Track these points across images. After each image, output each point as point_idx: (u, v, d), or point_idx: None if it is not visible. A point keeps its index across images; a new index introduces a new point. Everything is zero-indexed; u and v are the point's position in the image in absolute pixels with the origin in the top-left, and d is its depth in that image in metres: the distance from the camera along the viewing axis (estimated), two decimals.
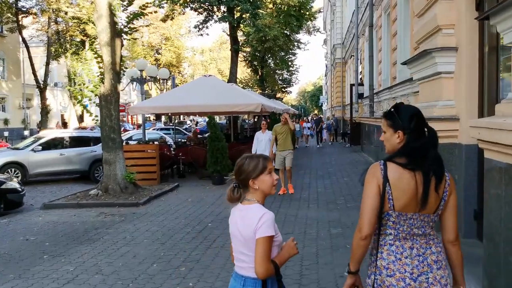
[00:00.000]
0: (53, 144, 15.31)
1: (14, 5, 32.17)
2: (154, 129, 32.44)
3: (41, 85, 35.80)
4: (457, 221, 2.38)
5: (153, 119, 48.99)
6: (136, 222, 8.38)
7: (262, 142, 11.20)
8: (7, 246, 7.06)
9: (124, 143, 16.03)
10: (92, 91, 11.54)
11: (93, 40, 43.63)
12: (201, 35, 28.80)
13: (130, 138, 22.00)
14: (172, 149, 16.76)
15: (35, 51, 41.75)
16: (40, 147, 14.81)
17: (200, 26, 26.21)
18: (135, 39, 40.32)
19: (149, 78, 16.11)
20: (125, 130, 34.26)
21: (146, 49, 60.06)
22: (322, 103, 69.64)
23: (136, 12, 11.77)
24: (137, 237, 7.26)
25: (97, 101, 11.41)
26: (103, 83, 11.21)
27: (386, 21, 14.94)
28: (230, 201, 2.52)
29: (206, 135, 19.42)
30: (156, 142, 21.58)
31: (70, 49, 39.67)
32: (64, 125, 47.63)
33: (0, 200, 9.64)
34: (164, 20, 27.88)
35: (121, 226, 8.09)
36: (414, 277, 2.27)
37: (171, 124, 47.52)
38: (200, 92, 14.23)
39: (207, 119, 13.97)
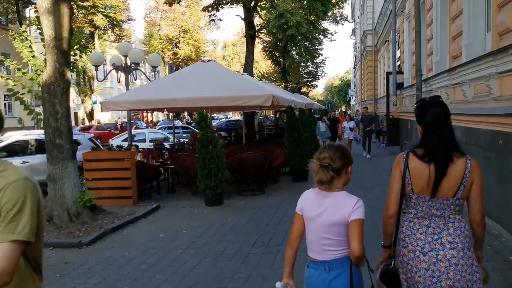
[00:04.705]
0: (14, 149, 12.21)
1: None
2: (160, 128, 29.17)
3: None
4: (483, 204, 2.60)
5: (170, 116, 46.08)
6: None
7: None
8: None
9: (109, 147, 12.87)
10: (32, 79, 8.26)
11: (102, 33, 41.27)
12: (213, 20, 25.44)
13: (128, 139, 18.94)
14: (166, 155, 13.50)
15: None
16: None
17: (210, 9, 22.87)
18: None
19: (133, 65, 12.80)
20: (137, 128, 31.34)
21: (164, 43, 57.27)
22: (350, 98, 65.83)
23: None
24: None
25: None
26: (46, 67, 7.96)
27: None
28: (321, 183, 2.53)
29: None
30: (147, 146, 18.43)
31: (79, 42, 37.14)
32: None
33: None
34: (170, 4, 24.56)
35: None
36: (424, 251, 2.58)
37: (192, 121, 44.50)
38: (195, 82, 10.86)
39: (215, 115, 10.60)
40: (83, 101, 40.20)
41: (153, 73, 14.96)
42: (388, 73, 20.91)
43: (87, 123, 38.82)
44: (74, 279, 5.37)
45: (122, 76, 13.01)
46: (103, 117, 45.41)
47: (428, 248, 2.58)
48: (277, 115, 31.76)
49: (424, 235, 2.61)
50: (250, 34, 22.05)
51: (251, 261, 5.74)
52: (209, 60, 12.29)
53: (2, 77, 11.02)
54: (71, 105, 45.71)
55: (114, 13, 40.62)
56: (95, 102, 38.62)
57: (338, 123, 21.66)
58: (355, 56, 56.70)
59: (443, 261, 2.53)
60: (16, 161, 11.76)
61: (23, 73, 8.67)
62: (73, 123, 38.32)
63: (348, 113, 36.56)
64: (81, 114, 46.44)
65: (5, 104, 36.85)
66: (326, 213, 2.51)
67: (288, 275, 2.64)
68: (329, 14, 33.11)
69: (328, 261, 2.51)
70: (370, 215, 7.67)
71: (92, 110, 40.00)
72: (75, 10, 36.64)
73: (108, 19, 40.07)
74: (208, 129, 9.22)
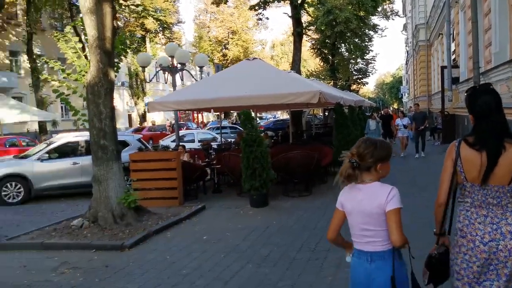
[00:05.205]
0: (65, 151, 12.43)
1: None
2: (209, 129, 29.27)
3: None
4: None
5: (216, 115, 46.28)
6: None
7: None
8: None
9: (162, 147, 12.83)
10: (77, 80, 8.29)
11: (153, 36, 42.01)
12: (260, 19, 25.34)
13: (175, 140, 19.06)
14: (212, 155, 13.38)
15: None
16: (47, 155, 12.00)
17: (257, 8, 22.68)
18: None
19: (180, 66, 12.75)
20: (188, 129, 31.69)
21: (213, 45, 57.73)
22: (402, 94, 64.02)
23: None
24: None
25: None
26: (89, 68, 7.97)
27: None
28: (347, 179, 2.60)
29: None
30: (196, 146, 18.42)
31: (131, 45, 38.07)
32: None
33: None
34: (217, 4, 24.58)
35: None
36: (484, 241, 2.56)
37: (238, 121, 44.53)
38: (240, 80, 10.67)
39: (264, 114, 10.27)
40: (136, 103, 41.13)
41: (202, 74, 14.94)
42: (443, 68, 20.01)
43: (147, 124, 39.59)
44: (113, 284, 5.23)
45: (180, 78, 12.98)
46: (158, 118, 46.19)
47: (488, 238, 2.55)
48: (326, 113, 31.20)
49: (483, 225, 2.58)
50: (298, 31, 21.69)
51: (297, 267, 5.41)
52: (254, 58, 12.05)
53: (57, 80, 11.22)
54: (125, 107, 47.13)
55: (164, 16, 41.32)
56: (147, 104, 39.42)
57: (391, 120, 20.45)
58: (407, 52, 55.10)
59: (503, 251, 2.52)
60: (67, 162, 12.03)
61: (68, 74, 8.75)
62: (127, 125, 39.46)
63: (401, 109, 35.14)
64: (135, 116, 47.49)
65: (61, 107, 38.20)
66: (362, 205, 2.56)
67: (349, 248, 2.75)
68: (379, 9, 32.23)
69: (371, 252, 2.56)
70: (422, 215, 7.20)
71: (145, 112, 40.84)
72: (126, 14, 37.56)
73: (158, 22, 40.79)
74: (253, 128, 8.96)
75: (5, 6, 28.59)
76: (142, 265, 5.82)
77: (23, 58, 33.90)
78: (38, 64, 27.81)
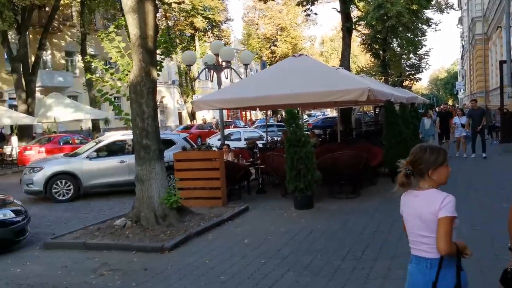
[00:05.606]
0: (113, 149, 12.56)
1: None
2: (256, 127, 29.15)
3: None
4: None
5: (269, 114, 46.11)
6: None
7: None
8: None
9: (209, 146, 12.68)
10: (120, 79, 8.28)
11: (202, 34, 42.36)
12: (308, 15, 24.93)
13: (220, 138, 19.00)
14: (257, 154, 13.16)
15: None
16: (96, 153, 12.17)
17: (304, 3, 22.28)
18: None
19: (225, 64, 12.60)
20: (236, 127, 31.76)
21: (262, 42, 57.62)
22: (458, 90, 61.65)
23: None
24: None
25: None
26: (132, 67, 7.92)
27: None
28: (403, 186, 2.64)
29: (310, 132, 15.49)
30: (242, 145, 18.27)
31: (180, 44, 38.54)
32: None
33: None
34: (264, 1, 24.38)
35: None
36: None
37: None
38: (285, 78, 10.36)
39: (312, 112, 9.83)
40: (185, 101, 41.66)
41: (251, 72, 14.78)
42: (502, 62, 18.91)
43: (198, 121, 39.99)
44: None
45: (225, 76, 12.88)
46: (208, 116, 46.47)
47: None
48: (377, 110, 30.34)
49: None
50: (347, 26, 21.16)
51: (340, 276, 5.08)
52: (300, 55, 11.71)
53: (102, 79, 11.37)
54: (176, 105, 47.78)
55: (213, 14, 41.55)
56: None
57: (450, 118, 18.78)
58: (463, 46, 52.98)
59: None
60: (115, 160, 12.15)
61: (111, 74, 8.77)
62: (177, 122, 40.05)
63: (457, 106, 33.38)
64: (185, 114, 48.05)
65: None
66: (418, 211, 2.58)
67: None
68: (432, 2, 30.94)
69: (430, 258, 2.55)
70: (482, 221, 6.74)
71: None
72: (176, 13, 38.04)
73: (207, 20, 41.08)
74: (298, 128, 8.65)
75: (61, 8, 29.68)
76: (180, 269, 5.66)
77: (78, 58, 35.03)
78: (92, 65, 28.66)
